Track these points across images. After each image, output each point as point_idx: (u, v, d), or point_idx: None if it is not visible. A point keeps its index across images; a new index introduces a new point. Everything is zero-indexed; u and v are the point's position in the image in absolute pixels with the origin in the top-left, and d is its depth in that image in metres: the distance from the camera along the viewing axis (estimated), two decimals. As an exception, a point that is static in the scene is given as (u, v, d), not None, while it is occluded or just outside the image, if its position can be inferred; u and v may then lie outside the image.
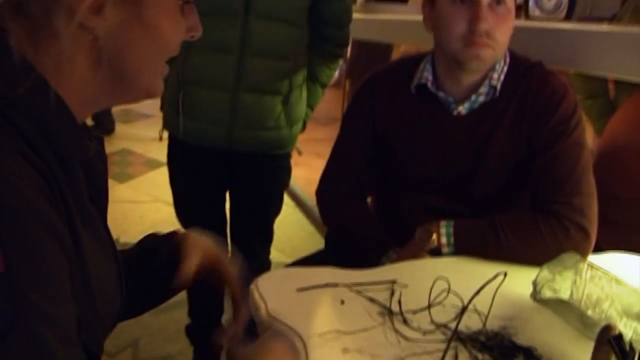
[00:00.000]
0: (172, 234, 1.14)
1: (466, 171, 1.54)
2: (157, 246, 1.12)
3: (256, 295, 1.22)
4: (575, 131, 1.45)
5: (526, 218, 1.42)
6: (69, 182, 0.73)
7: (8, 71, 0.68)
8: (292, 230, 3.86)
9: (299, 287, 1.25)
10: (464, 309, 1.14)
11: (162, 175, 4.79)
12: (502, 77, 1.50)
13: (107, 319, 0.84)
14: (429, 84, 1.53)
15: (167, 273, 1.07)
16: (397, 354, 1.07)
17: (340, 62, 2.22)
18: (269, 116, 1.98)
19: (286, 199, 4.37)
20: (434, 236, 1.43)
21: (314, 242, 3.68)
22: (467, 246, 1.41)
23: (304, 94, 2.11)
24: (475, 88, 1.50)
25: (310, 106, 2.18)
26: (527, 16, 2.08)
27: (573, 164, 1.43)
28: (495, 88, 1.49)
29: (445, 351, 1.07)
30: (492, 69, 1.49)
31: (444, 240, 1.43)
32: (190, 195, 2.15)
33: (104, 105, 0.80)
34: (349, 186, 1.67)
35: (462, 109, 1.52)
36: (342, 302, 1.22)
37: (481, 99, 1.51)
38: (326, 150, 1.75)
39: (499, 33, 1.41)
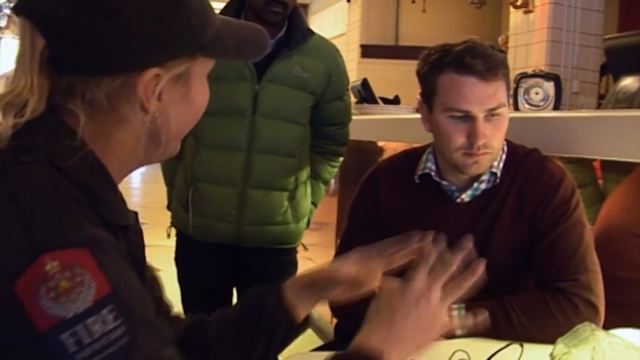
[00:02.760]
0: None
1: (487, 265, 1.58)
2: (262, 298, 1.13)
3: (280, 380, 1.24)
4: (575, 211, 1.51)
5: (535, 297, 1.45)
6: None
7: (62, 147, 0.74)
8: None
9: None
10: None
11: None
12: (501, 165, 1.56)
13: None
14: (433, 174, 1.57)
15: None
16: None
17: (341, 159, 2.31)
18: (276, 211, 2.04)
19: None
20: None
21: (312, 343, 3.64)
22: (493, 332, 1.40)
23: (309, 190, 2.19)
24: (476, 177, 1.55)
25: (314, 203, 2.25)
26: (517, 110, 2.19)
27: (577, 242, 1.47)
28: (495, 175, 1.55)
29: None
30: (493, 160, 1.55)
31: (456, 322, 1.45)
32: (198, 290, 2.17)
33: (135, 167, 0.88)
34: None
35: (465, 196, 1.56)
36: (364, 382, 1.24)
37: (483, 185, 1.56)
38: (318, 255, 1.78)
39: (496, 141, 1.48)
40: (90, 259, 0.65)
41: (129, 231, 0.83)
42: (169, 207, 2.26)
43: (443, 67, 1.44)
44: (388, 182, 1.67)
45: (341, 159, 2.30)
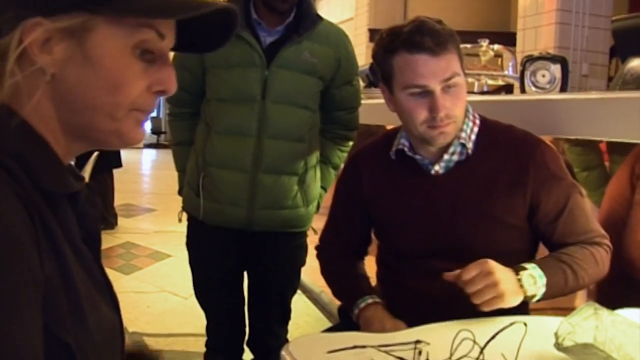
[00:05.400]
0: None
1: (463, 231, 1.62)
2: None
3: (289, 359, 1.27)
4: (568, 175, 1.64)
5: (586, 252, 1.57)
6: (56, 216, 0.77)
7: None
8: (300, 316, 3.86)
9: (329, 350, 1.31)
10: (481, 351, 1.18)
11: (167, 267, 4.83)
12: (473, 137, 1.62)
13: (107, 354, 0.86)
14: (406, 149, 1.65)
15: None
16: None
17: (351, 144, 2.33)
18: (287, 196, 2.08)
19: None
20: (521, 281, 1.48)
21: (322, 326, 3.68)
22: (555, 286, 1.51)
23: (318, 174, 2.21)
24: (445, 148, 1.61)
25: (324, 187, 2.28)
26: (523, 92, 2.20)
27: (582, 205, 1.61)
28: (465, 146, 1.61)
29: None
30: (459, 129, 1.61)
31: (538, 282, 1.49)
32: (209, 275, 2.21)
33: (82, 146, 0.85)
34: (339, 244, 1.82)
35: (439, 168, 1.63)
36: (373, 361, 1.28)
37: (455, 157, 1.62)
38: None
39: (456, 110, 1.55)
40: None
41: (78, 202, 0.84)
42: (180, 192, 2.29)
43: (396, 49, 1.53)
44: (368, 161, 1.77)
45: (351, 143, 2.32)
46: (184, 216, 2.27)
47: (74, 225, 0.82)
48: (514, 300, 1.42)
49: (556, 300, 1.74)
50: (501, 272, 1.39)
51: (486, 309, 1.39)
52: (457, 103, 1.54)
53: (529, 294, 1.45)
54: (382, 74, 1.62)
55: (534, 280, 1.46)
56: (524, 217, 1.61)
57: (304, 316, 3.90)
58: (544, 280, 1.47)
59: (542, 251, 1.71)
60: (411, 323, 1.49)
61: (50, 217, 0.75)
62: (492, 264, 1.39)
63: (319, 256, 1.86)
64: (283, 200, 2.07)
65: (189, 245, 2.24)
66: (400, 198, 1.68)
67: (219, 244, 2.15)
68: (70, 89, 0.78)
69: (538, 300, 1.50)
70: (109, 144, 0.85)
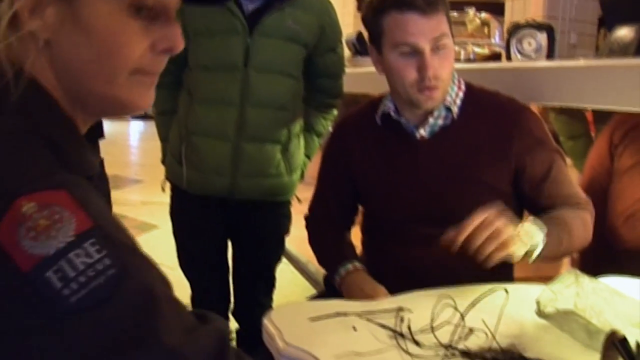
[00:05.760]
0: None
1: (447, 196, 1.62)
2: None
3: (270, 327, 1.27)
4: (552, 140, 1.64)
5: (574, 214, 1.57)
6: None
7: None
8: (287, 286, 3.86)
9: (311, 317, 1.30)
10: (462, 318, 1.18)
11: (154, 238, 4.82)
12: (458, 102, 1.62)
13: None
14: (392, 112, 1.65)
15: None
16: (412, 371, 1.11)
17: (335, 112, 2.31)
18: (270, 164, 2.06)
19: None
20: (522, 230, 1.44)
21: (308, 293, 3.69)
22: (552, 244, 1.47)
23: (302, 142, 2.20)
24: (430, 112, 1.61)
25: (308, 156, 2.26)
26: (509, 60, 2.19)
27: (566, 171, 1.63)
28: (450, 110, 1.61)
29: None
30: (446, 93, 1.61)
31: (538, 234, 1.44)
32: (193, 244, 2.20)
33: (89, 116, 0.82)
34: (326, 213, 1.82)
35: (424, 132, 1.62)
36: (354, 328, 1.27)
37: (440, 122, 1.62)
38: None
39: (444, 72, 1.55)
40: (67, 198, 0.65)
41: (94, 179, 0.81)
42: (163, 162, 2.27)
43: (386, 9, 1.53)
44: (354, 128, 1.76)
45: (335, 111, 2.30)
46: (168, 185, 2.25)
47: None
48: (518, 249, 1.37)
49: (541, 270, 1.75)
50: (501, 221, 1.32)
51: (492, 262, 1.31)
52: (445, 65, 1.54)
53: (532, 243, 1.40)
54: (371, 35, 1.62)
55: (534, 230, 1.42)
56: (509, 182, 1.61)
57: (292, 286, 3.92)
58: (544, 230, 1.43)
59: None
60: (395, 290, 1.49)
61: None
62: (489, 214, 1.32)
63: (307, 226, 1.86)
64: (266, 168, 2.06)
65: (173, 214, 2.23)
66: (385, 163, 1.68)
67: (202, 213, 2.14)
68: (66, 55, 0.75)
69: (535, 259, 1.44)
70: (113, 111, 0.82)
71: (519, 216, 1.69)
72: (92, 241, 0.63)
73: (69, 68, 0.76)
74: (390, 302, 1.42)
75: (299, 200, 2.28)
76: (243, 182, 2.04)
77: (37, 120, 0.71)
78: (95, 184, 0.78)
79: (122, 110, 0.82)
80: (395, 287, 1.50)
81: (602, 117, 2.34)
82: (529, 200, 1.63)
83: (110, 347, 0.62)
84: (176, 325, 0.66)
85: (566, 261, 2.20)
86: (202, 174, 2.05)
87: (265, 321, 1.30)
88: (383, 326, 1.28)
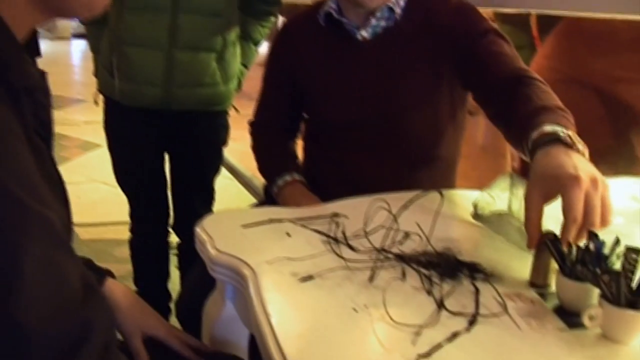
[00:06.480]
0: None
1: (389, 100, 1.58)
2: None
3: (202, 234, 1.23)
4: (493, 27, 1.55)
5: (544, 88, 1.38)
6: (15, 110, 0.71)
7: None
8: (233, 202, 3.87)
9: (244, 224, 1.27)
10: (395, 219, 1.16)
11: (98, 157, 4.72)
12: (401, 2, 1.58)
13: None
14: (334, 12, 1.60)
15: None
16: (346, 275, 1.10)
17: (273, 20, 2.23)
18: (205, 73, 1.98)
19: (224, 171, 4.36)
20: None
21: (248, 201, 3.70)
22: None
23: (238, 51, 2.12)
24: (373, 12, 1.56)
25: (245, 65, 2.19)
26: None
27: (514, 50, 1.52)
28: (393, 11, 1.56)
29: (375, 265, 1.10)
30: None
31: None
32: (129, 158, 2.13)
33: (40, 18, 0.78)
34: (270, 119, 1.78)
35: (366, 33, 1.58)
36: (288, 234, 1.25)
37: (382, 23, 1.58)
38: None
39: None
40: None
41: (35, 91, 0.77)
42: (96, 74, 2.17)
43: None
44: (298, 29, 1.72)
45: (273, 19, 2.22)
46: (101, 99, 2.16)
47: (29, 117, 0.75)
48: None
49: (483, 180, 1.73)
50: (590, 184, 1.02)
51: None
52: None
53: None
54: None
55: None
56: (451, 81, 1.57)
57: (237, 201, 3.91)
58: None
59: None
60: (335, 197, 1.47)
61: (12, 112, 0.69)
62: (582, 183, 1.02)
63: (250, 132, 1.82)
64: (201, 77, 1.98)
65: (107, 127, 2.15)
66: (327, 65, 1.64)
67: (136, 125, 2.06)
68: None
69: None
70: (74, 14, 0.79)
71: (462, 116, 1.66)
72: None
73: None
74: (325, 208, 1.39)
75: (236, 110, 2.22)
76: (177, 92, 1.96)
77: None
78: (36, 98, 0.76)
79: (84, 12, 0.79)
80: (335, 194, 1.48)
81: (546, 27, 2.32)
82: (480, 87, 1.53)
83: None
84: None
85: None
86: (134, 84, 1.97)
87: (197, 229, 1.26)
88: (317, 231, 1.26)
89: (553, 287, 1.05)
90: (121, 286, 1.21)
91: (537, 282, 1.09)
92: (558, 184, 1.03)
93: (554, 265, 1.04)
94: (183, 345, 1.18)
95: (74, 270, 0.69)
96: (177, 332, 1.22)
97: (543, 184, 1.06)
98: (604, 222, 1.03)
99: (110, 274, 1.20)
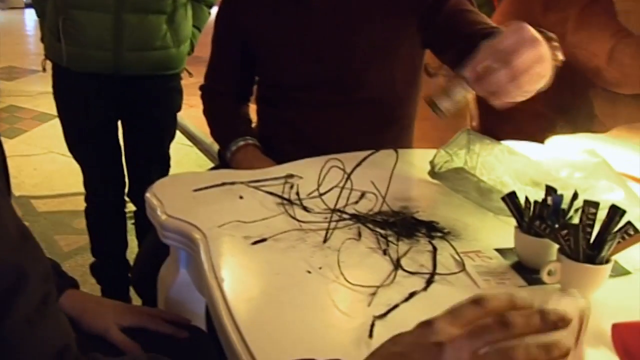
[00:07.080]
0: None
1: (340, 60, 1.54)
2: None
3: (153, 199, 1.19)
4: None
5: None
6: None
7: None
8: (193, 169, 3.81)
9: (195, 188, 1.23)
10: (347, 178, 1.12)
11: (54, 128, 4.60)
12: None
13: None
14: None
15: None
16: (299, 236, 1.07)
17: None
18: (155, 36, 1.92)
19: (183, 138, 4.27)
20: None
21: (207, 165, 3.66)
22: None
23: (189, 13, 2.05)
24: None
25: (197, 27, 2.13)
26: None
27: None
28: None
29: (329, 226, 1.08)
30: None
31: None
32: (80, 126, 2.06)
33: None
34: (221, 82, 1.72)
35: None
36: (241, 197, 1.21)
37: None
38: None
39: None
40: None
41: None
42: (42, 40, 2.09)
43: None
44: None
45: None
46: (49, 65, 2.08)
47: None
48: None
49: (443, 141, 1.70)
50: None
51: None
52: None
53: None
54: None
55: None
56: (412, 40, 1.52)
57: (197, 168, 3.86)
58: None
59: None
60: (290, 157, 1.43)
61: None
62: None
63: (202, 96, 1.76)
64: (151, 40, 1.91)
65: (56, 95, 2.07)
66: (279, 25, 1.57)
67: (86, 91, 1.98)
68: None
69: None
70: None
71: (418, 77, 1.62)
72: None
73: None
74: (279, 169, 1.36)
75: (190, 74, 2.15)
76: (127, 56, 1.90)
77: None
78: None
79: None
80: (292, 157, 1.44)
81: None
82: (445, 44, 1.47)
83: None
84: None
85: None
86: (82, 48, 1.89)
87: (147, 194, 1.22)
88: (271, 193, 1.23)
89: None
90: (85, 292, 1.18)
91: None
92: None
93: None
94: (159, 323, 1.14)
95: (9, 216, 0.65)
96: (149, 311, 1.18)
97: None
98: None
99: (74, 284, 1.15)
